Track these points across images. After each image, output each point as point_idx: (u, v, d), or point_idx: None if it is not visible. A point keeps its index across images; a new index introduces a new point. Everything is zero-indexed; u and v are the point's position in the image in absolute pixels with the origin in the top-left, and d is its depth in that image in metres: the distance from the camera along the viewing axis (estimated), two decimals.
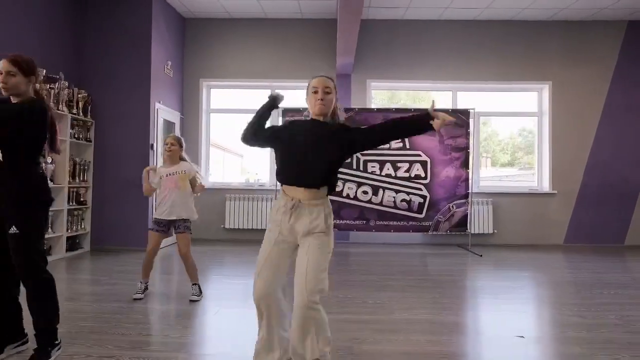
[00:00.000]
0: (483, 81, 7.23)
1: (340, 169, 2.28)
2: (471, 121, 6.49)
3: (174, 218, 3.59)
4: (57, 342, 2.38)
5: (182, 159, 3.73)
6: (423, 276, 4.73)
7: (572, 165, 7.10)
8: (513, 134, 7.82)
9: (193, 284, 3.65)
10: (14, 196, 2.24)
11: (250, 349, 2.19)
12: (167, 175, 3.61)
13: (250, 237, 7.01)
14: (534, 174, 7.43)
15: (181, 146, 3.71)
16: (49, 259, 5.17)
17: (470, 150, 6.48)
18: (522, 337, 2.82)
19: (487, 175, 7.59)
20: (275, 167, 2.20)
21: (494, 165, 7.80)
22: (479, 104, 7.26)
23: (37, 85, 2.47)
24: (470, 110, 6.48)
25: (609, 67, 7.14)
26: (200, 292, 3.65)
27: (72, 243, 5.83)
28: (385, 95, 7.92)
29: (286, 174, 2.13)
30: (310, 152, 2.08)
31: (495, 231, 7.03)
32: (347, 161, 6.63)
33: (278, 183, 2.18)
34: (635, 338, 2.85)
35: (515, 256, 6.03)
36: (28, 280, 2.27)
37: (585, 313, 3.38)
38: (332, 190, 2.16)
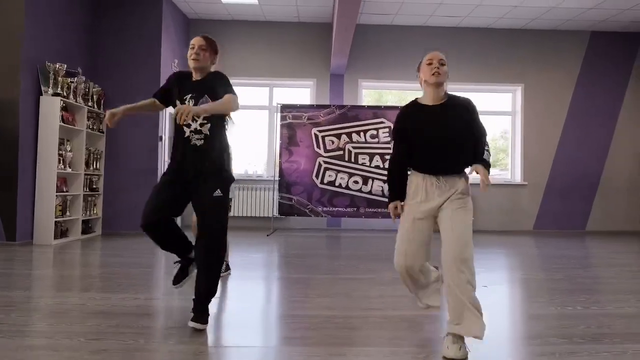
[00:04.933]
0: (462, 82, 7.95)
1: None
2: None
3: None
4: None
5: None
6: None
7: (541, 160, 7.89)
8: (495, 137, 8.46)
9: None
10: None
11: None
12: None
13: (248, 224, 7.56)
14: (507, 167, 8.21)
15: None
16: (66, 240, 5.66)
17: None
18: (486, 286, 3.50)
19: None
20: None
21: None
22: None
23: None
24: None
25: (574, 72, 7.96)
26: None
27: (86, 227, 6.27)
28: (373, 95, 8.56)
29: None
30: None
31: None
32: (340, 153, 7.30)
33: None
34: (572, 286, 3.55)
35: (486, 239, 6.74)
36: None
37: (538, 272, 4.09)
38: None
